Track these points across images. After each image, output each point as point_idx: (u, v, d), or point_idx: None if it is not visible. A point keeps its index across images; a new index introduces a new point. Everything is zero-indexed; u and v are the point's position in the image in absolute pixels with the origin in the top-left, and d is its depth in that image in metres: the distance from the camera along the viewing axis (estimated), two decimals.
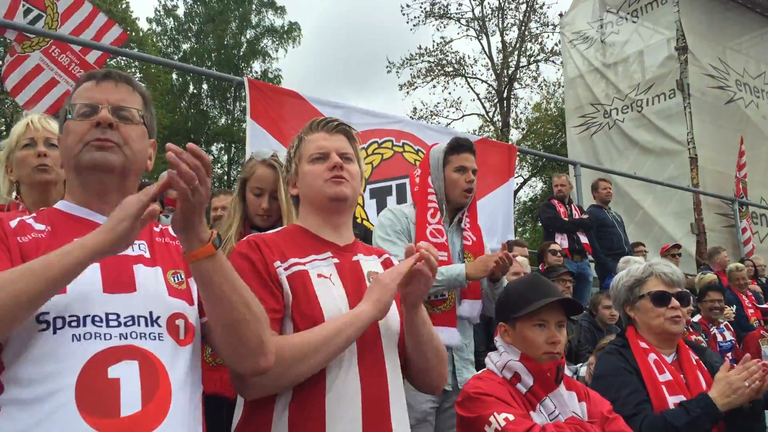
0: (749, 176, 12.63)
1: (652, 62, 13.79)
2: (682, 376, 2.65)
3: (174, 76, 28.57)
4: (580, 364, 4.19)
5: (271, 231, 2.10)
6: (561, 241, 7.73)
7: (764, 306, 7.13)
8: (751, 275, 9.10)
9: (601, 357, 2.92)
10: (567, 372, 2.50)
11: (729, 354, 6.59)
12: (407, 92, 28.65)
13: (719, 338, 6.65)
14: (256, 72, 29.90)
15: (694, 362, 2.72)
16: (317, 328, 1.79)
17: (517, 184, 28.38)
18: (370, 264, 2.06)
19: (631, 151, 13.69)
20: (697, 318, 6.78)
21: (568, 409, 2.28)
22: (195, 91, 30.45)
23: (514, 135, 29.27)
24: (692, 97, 12.70)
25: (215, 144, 30.57)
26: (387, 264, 2.14)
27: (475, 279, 3.11)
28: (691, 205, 12.30)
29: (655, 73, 13.62)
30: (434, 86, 28.89)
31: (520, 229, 28.85)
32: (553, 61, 27.41)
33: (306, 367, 1.75)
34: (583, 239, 7.91)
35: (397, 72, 28.33)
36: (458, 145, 3.36)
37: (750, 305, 8.19)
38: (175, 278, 1.68)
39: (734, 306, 7.80)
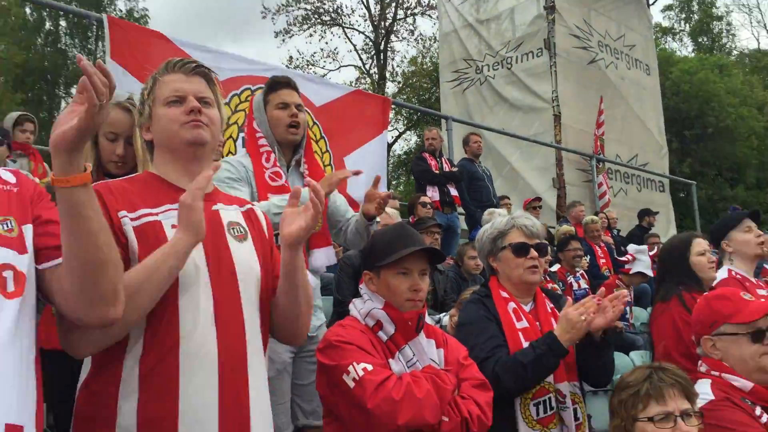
0: (606, 134, 13.42)
1: (522, 20, 14.21)
2: (538, 323, 2.77)
3: (27, 10, 26.22)
4: (444, 314, 4.30)
5: (121, 178, 1.95)
6: (432, 194, 7.88)
7: (622, 259, 7.62)
8: (604, 227, 9.73)
9: (464, 306, 3.01)
10: (430, 321, 2.55)
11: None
12: (283, 40, 28.13)
13: (575, 286, 7.08)
14: (120, 10, 27.97)
15: (549, 310, 2.84)
16: (136, 268, 1.68)
17: (392, 137, 28.68)
18: (230, 214, 1.97)
19: (501, 107, 14.14)
20: (555, 267, 7.18)
21: (426, 357, 2.32)
22: (52, 27, 28.10)
23: (390, 88, 29.44)
24: (558, 57, 13.24)
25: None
26: (250, 214, 2.06)
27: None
28: (553, 161, 12.93)
29: (524, 31, 14.05)
30: (311, 35, 28.40)
31: (394, 182, 29.27)
32: (429, 15, 27.62)
33: (132, 310, 1.64)
34: (453, 192, 8.11)
35: (272, 18, 27.55)
36: (275, 83, 3.28)
37: (602, 255, 8.77)
38: (4, 226, 1.52)
39: (588, 256, 8.32)
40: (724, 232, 3.86)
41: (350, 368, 2.13)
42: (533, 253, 2.80)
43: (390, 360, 2.26)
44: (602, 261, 8.69)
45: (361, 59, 29.88)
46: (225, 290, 1.80)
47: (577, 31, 13.84)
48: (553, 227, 11.01)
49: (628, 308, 7.10)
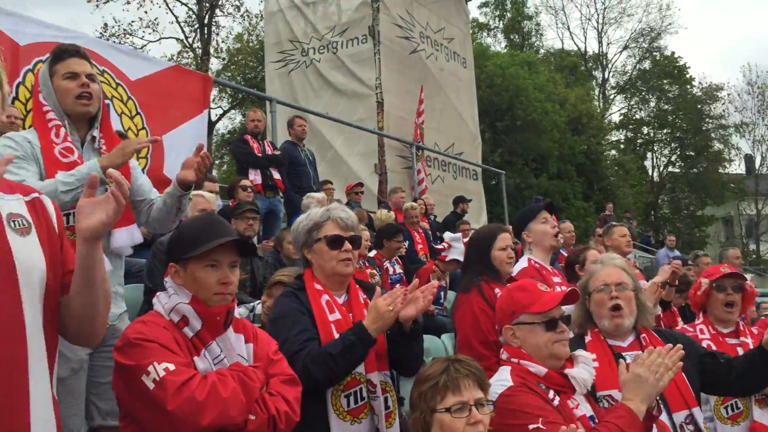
0: (426, 123, 13.93)
1: (348, 6, 14.28)
2: (351, 315, 2.80)
3: None
4: (258, 301, 4.24)
5: None
6: (254, 177, 7.74)
7: (438, 246, 7.93)
8: (422, 213, 10.12)
9: (277, 300, 2.97)
10: (243, 310, 2.48)
11: (398, 285, 7.27)
12: (97, 5, 26.01)
13: (391, 271, 7.29)
14: None
15: (363, 301, 2.88)
16: None
17: (216, 115, 27.82)
18: (11, 204, 1.77)
19: (326, 92, 14.16)
20: (372, 253, 7.34)
21: (234, 353, 2.24)
22: None
23: (215, 64, 28.48)
24: (382, 45, 13.50)
25: None
26: (35, 204, 1.85)
27: (112, 166, 2.83)
28: (376, 147, 13.19)
29: (350, 17, 14.13)
30: (128, 2, 26.62)
31: (217, 162, 28.46)
32: None
33: None
34: (276, 175, 8.02)
35: None
36: (62, 52, 3.05)
37: (420, 241, 9.12)
38: None
39: (407, 241, 8.61)
40: (524, 223, 4.14)
41: (150, 368, 2.00)
42: (347, 245, 2.82)
43: (195, 358, 2.16)
44: (420, 246, 9.03)
45: (183, 32, 28.59)
46: (2, 289, 1.62)
47: (400, 21, 14.19)
48: (374, 212, 11.28)
49: (442, 293, 7.44)
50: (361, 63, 13.77)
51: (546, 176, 26.01)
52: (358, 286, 2.96)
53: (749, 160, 41.94)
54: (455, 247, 7.25)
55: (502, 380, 2.43)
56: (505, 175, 16.92)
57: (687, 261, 8.01)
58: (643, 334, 2.92)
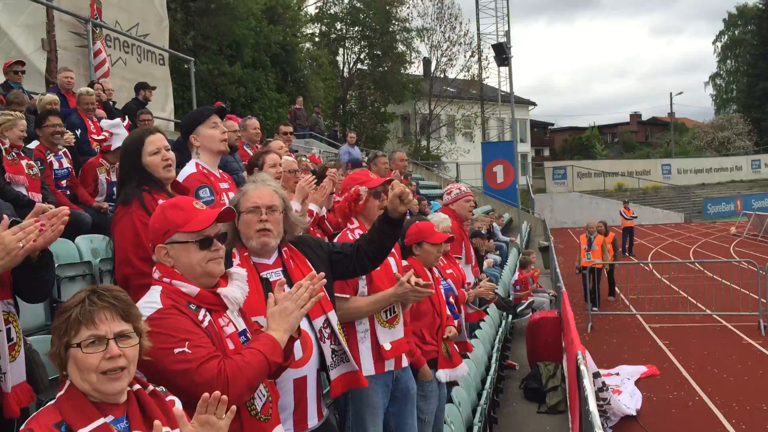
0: None
1: None
2: None
3: None
4: None
5: None
6: None
7: (99, 138, 7.18)
8: (100, 99, 9.23)
9: None
10: None
11: (64, 181, 6.61)
12: None
13: (56, 165, 6.57)
14: None
15: None
16: None
17: None
18: None
19: None
20: (33, 144, 6.54)
21: None
22: None
23: None
24: None
25: None
26: None
27: None
28: (44, 19, 11.52)
29: None
30: None
31: None
32: None
33: None
34: None
35: None
36: None
37: (95, 131, 8.31)
38: None
39: (79, 130, 7.82)
40: (192, 126, 3.97)
41: None
42: None
43: None
44: (93, 137, 8.24)
45: None
46: None
47: None
48: (38, 93, 10.02)
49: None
50: None
51: (240, 65, 25.48)
52: None
53: (426, 63, 45.95)
54: (118, 134, 6.70)
55: (151, 302, 2.33)
56: (197, 61, 16.11)
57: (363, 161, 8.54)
58: (285, 248, 3.04)
